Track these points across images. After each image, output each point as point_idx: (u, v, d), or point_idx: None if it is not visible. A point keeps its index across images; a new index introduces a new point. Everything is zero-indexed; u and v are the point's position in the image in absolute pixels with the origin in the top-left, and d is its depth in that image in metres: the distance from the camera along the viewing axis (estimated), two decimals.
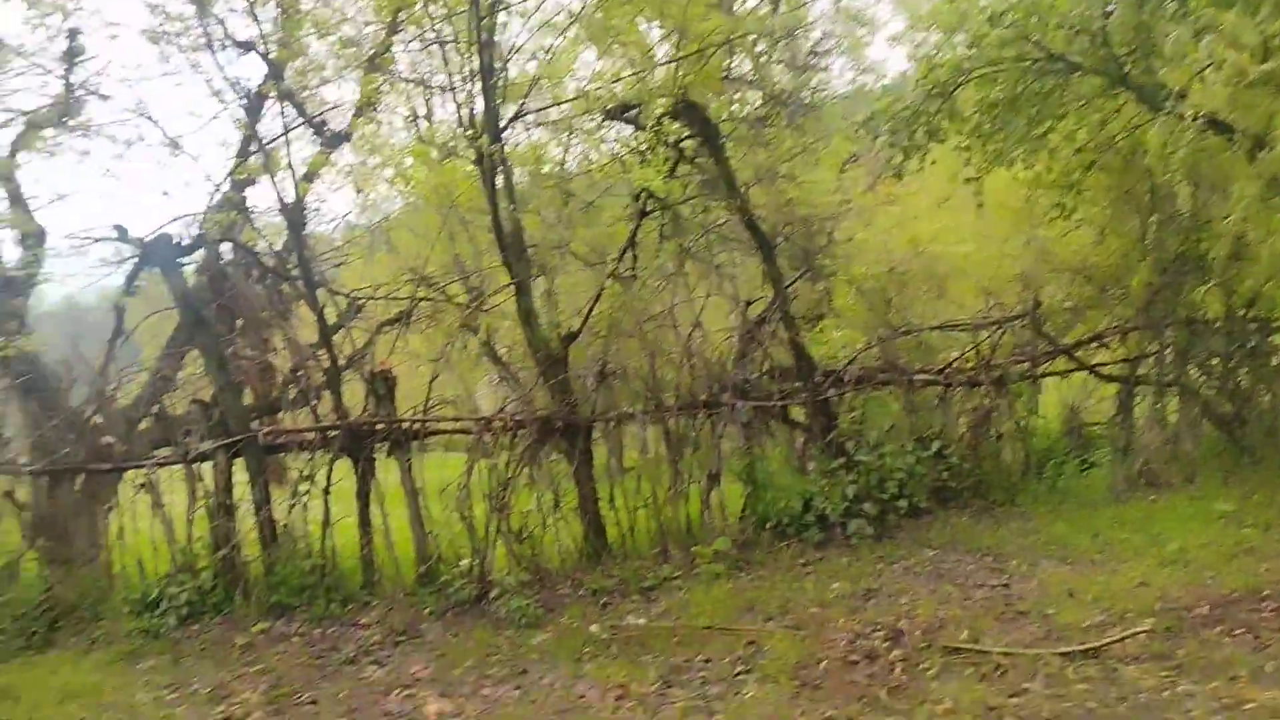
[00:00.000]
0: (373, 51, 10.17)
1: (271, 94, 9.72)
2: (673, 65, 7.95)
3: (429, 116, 12.74)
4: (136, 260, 8.73)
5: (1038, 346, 9.91)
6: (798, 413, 9.21)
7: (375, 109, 11.57)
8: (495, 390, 10.92)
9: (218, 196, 9.43)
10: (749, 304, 9.94)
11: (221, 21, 9.21)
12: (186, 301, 8.24)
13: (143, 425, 9.49)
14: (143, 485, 8.08)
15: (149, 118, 8.57)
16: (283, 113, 9.03)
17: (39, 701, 6.49)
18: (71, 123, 10.18)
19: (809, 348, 9.37)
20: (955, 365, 9.70)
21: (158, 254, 8.33)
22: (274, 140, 9.47)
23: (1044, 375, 10.22)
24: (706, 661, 6.39)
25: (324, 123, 11.20)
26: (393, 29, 10.06)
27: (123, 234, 8.28)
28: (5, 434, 8.05)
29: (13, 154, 10.02)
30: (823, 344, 10.13)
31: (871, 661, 6.02)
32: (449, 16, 8.68)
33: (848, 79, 10.53)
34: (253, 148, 10.16)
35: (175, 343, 10.39)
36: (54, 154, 9.51)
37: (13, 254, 9.74)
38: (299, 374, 9.18)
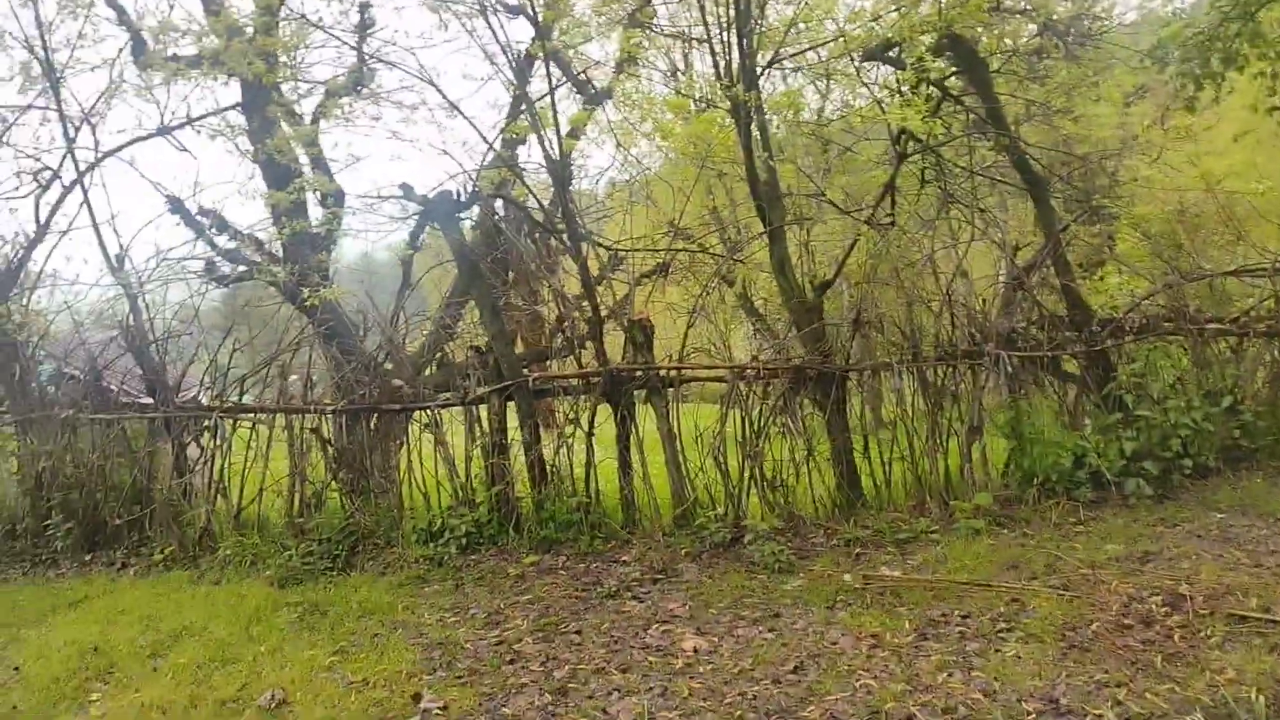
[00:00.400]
0: (633, 7, 10.41)
1: (538, 55, 10.16)
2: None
3: (687, 70, 12.95)
4: (420, 217, 9.43)
5: None
6: (1071, 364, 8.64)
7: (635, 64, 11.87)
8: (752, 341, 11.01)
9: (490, 155, 10.02)
10: (1017, 249, 9.43)
11: None
12: (463, 255, 8.81)
13: (427, 370, 10.32)
14: (427, 425, 8.78)
15: (431, 83, 9.09)
16: (548, 73, 9.38)
17: (342, 616, 7.26)
18: (364, 90, 11.13)
19: (1085, 295, 8.76)
20: (1253, 314, 8.75)
21: (438, 211, 8.96)
22: (540, 99, 9.89)
23: None
24: (965, 617, 6.22)
25: (587, 80, 11.62)
26: None
27: (408, 192, 8.96)
28: (313, 376, 8.92)
29: (314, 121, 11.08)
30: (1101, 292, 9.46)
31: (1147, 626, 5.66)
32: None
33: (1133, 3, 9.61)
34: (521, 107, 10.70)
35: (454, 294, 11.20)
36: (350, 120, 10.28)
37: (315, 214, 10.84)
38: (565, 323, 9.64)
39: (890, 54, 8.20)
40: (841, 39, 8.08)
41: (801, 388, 8.26)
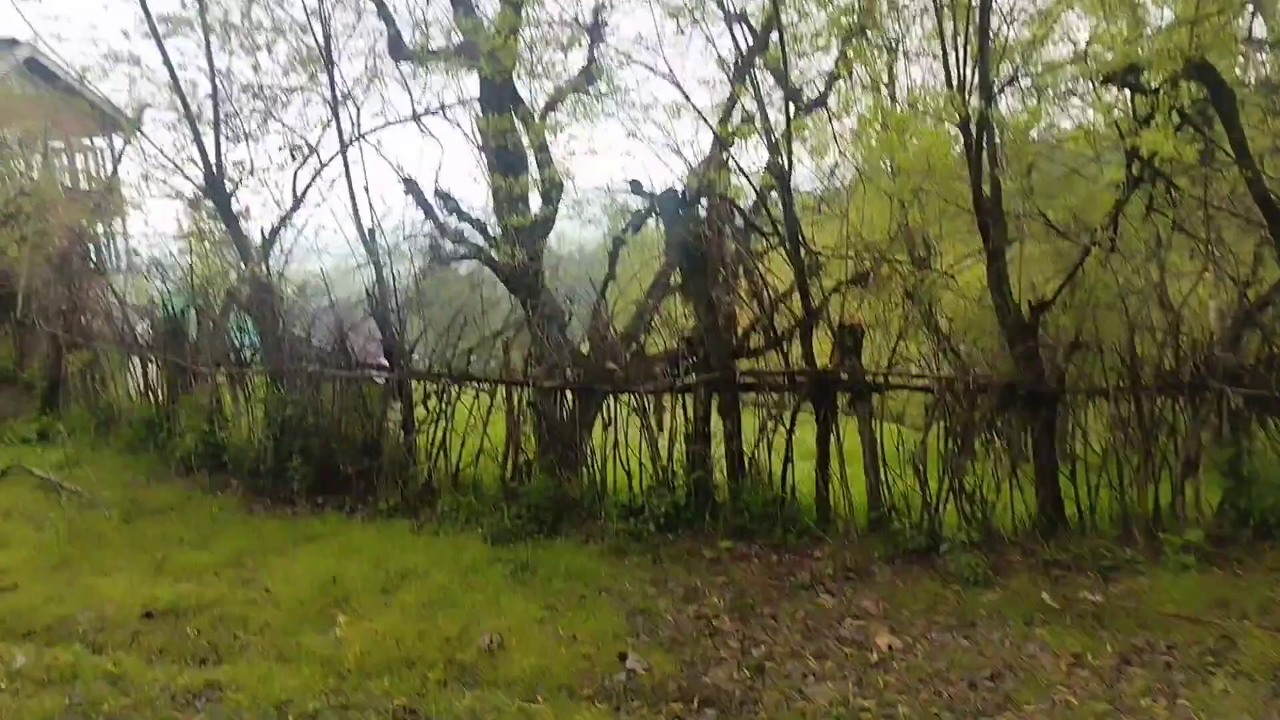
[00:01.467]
0: (858, 20, 10.57)
1: (759, 62, 10.49)
2: (1186, 25, 7.46)
3: (892, 84, 13.00)
4: (645, 211, 9.91)
5: None
6: None
7: (851, 75, 12.02)
8: (933, 358, 10.94)
9: (708, 155, 10.41)
10: (1248, 284, 9.10)
11: None
12: (685, 250, 9.21)
13: (630, 354, 10.80)
14: (635, 409, 9.23)
15: (676, 83, 9.55)
16: (778, 81, 9.68)
17: (550, 575, 7.79)
18: (593, 90, 11.71)
19: None
20: None
21: (665, 206, 9.41)
22: (763, 103, 10.22)
23: None
24: (1170, 648, 6.19)
25: (799, 88, 11.84)
26: None
27: (636, 188, 9.45)
28: (533, 354, 9.52)
29: (543, 116, 11.73)
30: None
31: None
32: None
33: None
34: (737, 112, 11.05)
35: (656, 287, 11.64)
36: (586, 117, 10.88)
37: (536, 202, 11.50)
38: (769, 321, 9.90)
39: (1131, 78, 8.10)
40: (1083, 61, 8.05)
41: (1010, 406, 8.27)
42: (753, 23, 10.80)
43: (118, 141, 16.70)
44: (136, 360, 12.84)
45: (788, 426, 8.76)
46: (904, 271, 10.62)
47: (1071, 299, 8.46)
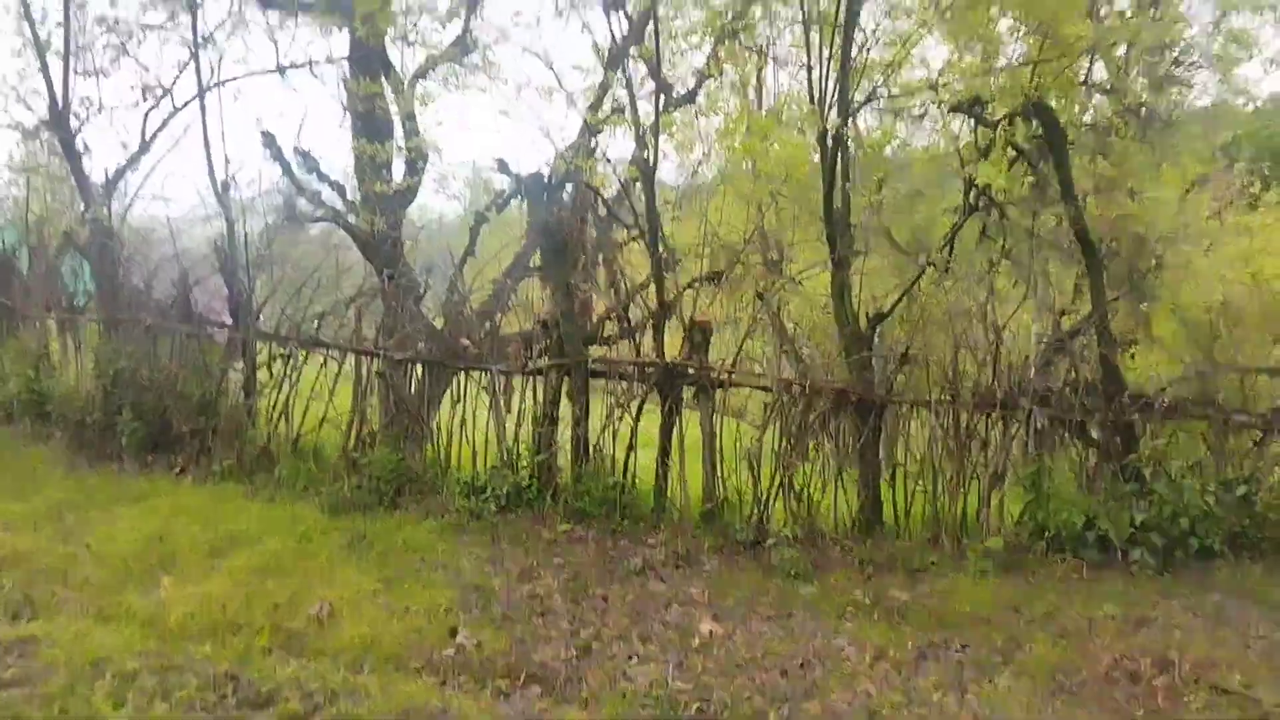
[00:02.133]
0: (734, 22, 10.87)
1: (633, 53, 10.64)
2: (1029, 65, 8.03)
3: (760, 88, 13.41)
4: (510, 191, 9.94)
5: None
6: (1095, 430, 9.06)
7: (720, 76, 12.33)
8: (778, 361, 11.41)
9: (575, 141, 10.52)
10: (1062, 313, 9.86)
11: None
12: (548, 233, 9.30)
13: (484, 332, 10.82)
14: (484, 387, 9.29)
15: (543, 61, 9.58)
16: (650, 73, 9.86)
17: (388, 549, 7.80)
18: (466, 61, 11.63)
19: (1121, 368, 9.19)
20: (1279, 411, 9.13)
21: (530, 188, 9.47)
22: (633, 94, 10.36)
23: None
24: (964, 646, 6.69)
25: (669, 84, 12.08)
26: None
27: (503, 167, 9.49)
28: (386, 324, 9.44)
29: (414, 83, 11.57)
30: (1135, 369, 9.88)
31: (1134, 683, 6.10)
32: None
33: (1212, 97, 10.01)
34: (607, 100, 11.20)
35: (516, 267, 11.70)
36: (457, 87, 10.79)
37: (400, 171, 11.36)
38: (623, 310, 10.11)
39: (976, 110, 8.64)
40: (935, 89, 8.53)
41: (841, 411, 8.73)
42: (630, 12, 10.93)
43: None
44: None
45: (633, 415, 8.98)
46: (757, 273, 11.03)
47: (907, 314, 8.98)
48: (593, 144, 11.28)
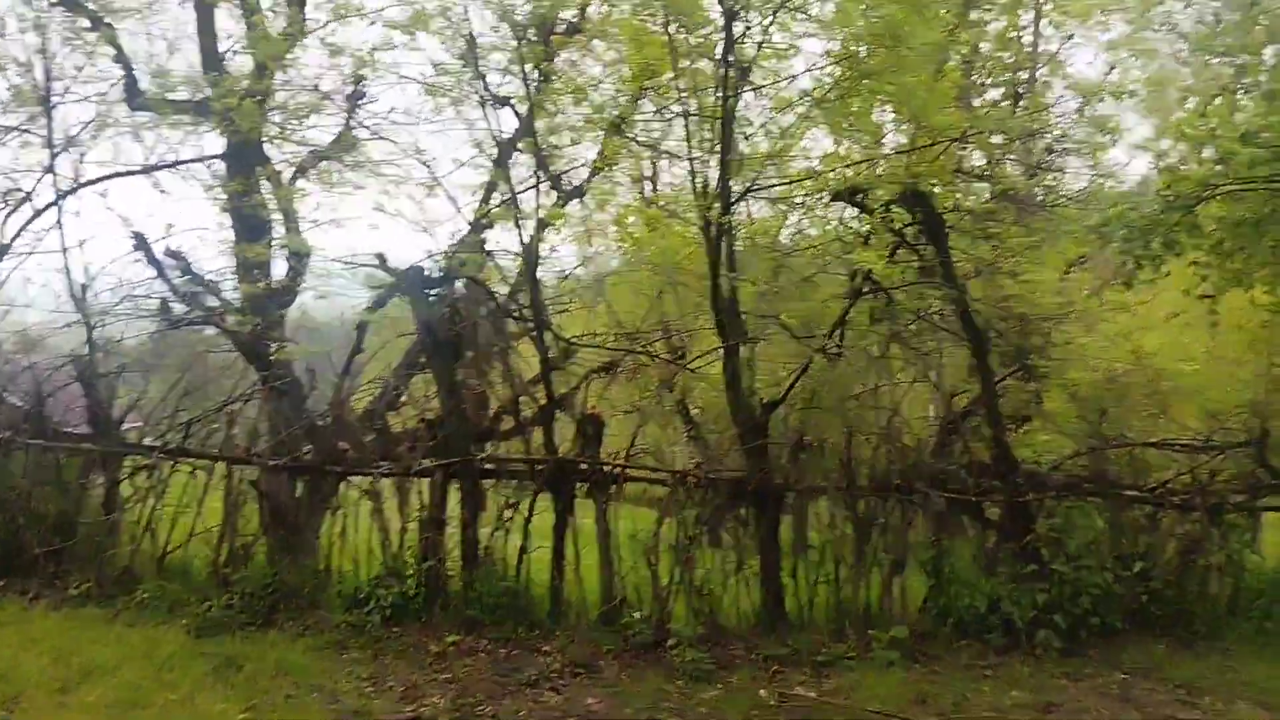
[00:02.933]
0: (617, 117, 10.88)
1: (519, 147, 10.56)
2: (905, 154, 8.17)
3: (654, 179, 13.48)
4: (389, 287, 9.64)
5: (1261, 478, 9.35)
6: (993, 511, 9.04)
7: (611, 169, 12.34)
8: (684, 447, 11.25)
9: (462, 236, 10.29)
10: (954, 395, 9.91)
11: (484, 78, 10.11)
12: (429, 329, 9.01)
13: (369, 436, 10.38)
14: (366, 492, 8.83)
15: (418, 159, 9.43)
16: (537, 168, 9.78)
17: (257, 673, 7.21)
18: (348, 159, 11.39)
19: (1013, 448, 9.22)
20: (1169, 486, 9.26)
21: (410, 283, 9.19)
22: (519, 189, 10.26)
23: (1264, 509, 9.61)
24: None
25: (559, 177, 12.04)
26: (637, 98, 10.76)
27: (382, 262, 9.19)
28: (258, 429, 8.95)
29: (293, 180, 11.27)
30: (1027, 446, 9.95)
31: None
32: (694, 91, 9.21)
33: (1083, 180, 10.35)
34: (497, 194, 11.04)
35: (406, 365, 11.32)
36: (331, 185, 10.52)
37: (280, 269, 10.96)
38: (515, 406, 9.81)
39: (856, 198, 8.73)
40: (813, 178, 8.61)
41: (739, 501, 8.52)
42: (516, 107, 10.88)
43: None
44: None
45: (526, 515, 8.62)
46: (655, 361, 10.88)
47: (801, 400, 8.89)
48: (481, 238, 11.09)
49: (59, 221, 9.49)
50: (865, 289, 9.18)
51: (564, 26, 10.61)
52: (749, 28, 8.33)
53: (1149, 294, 9.86)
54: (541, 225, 10.38)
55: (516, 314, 10.33)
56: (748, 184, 8.63)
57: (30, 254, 9.99)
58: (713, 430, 11.26)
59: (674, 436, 10.01)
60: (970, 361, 10.15)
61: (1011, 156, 9.57)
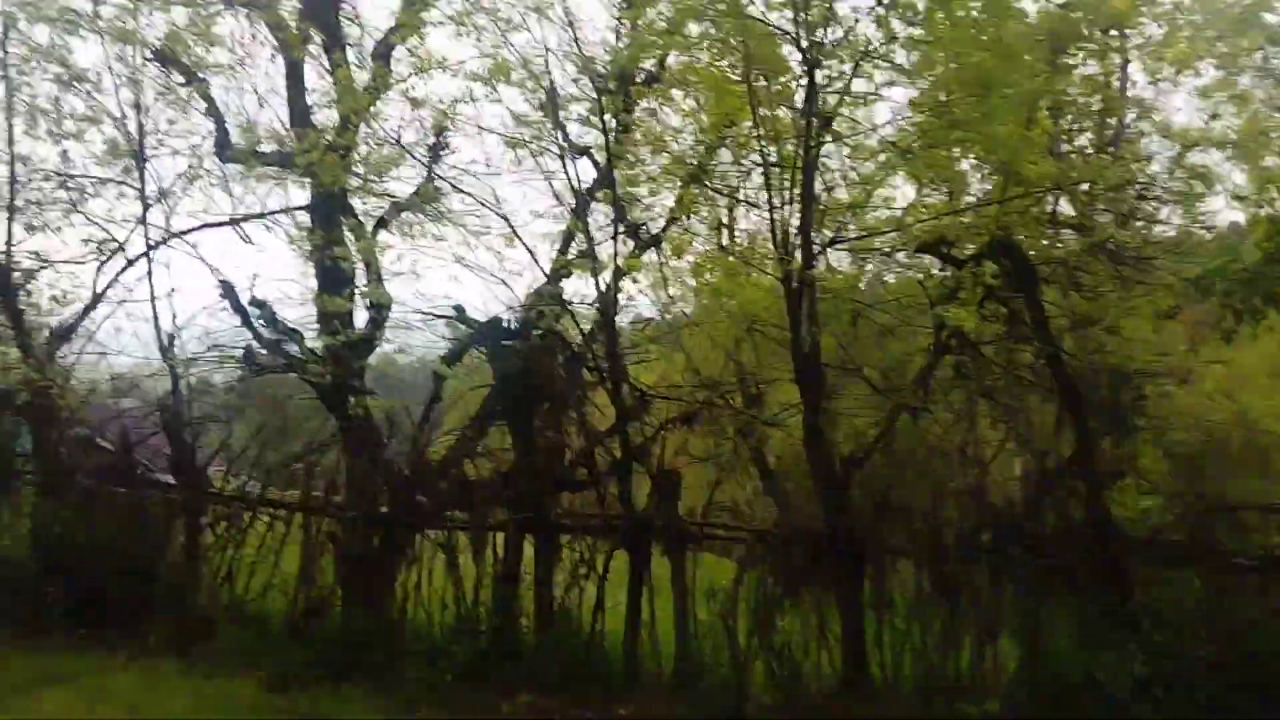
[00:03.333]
0: (695, 166, 10.83)
1: (597, 196, 10.55)
2: (994, 204, 7.93)
3: (732, 228, 13.37)
4: (467, 339, 9.65)
5: None
6: (1089, 577, 8.59)
7: (689, 217, 12.28)
8: (761, 503, 10.95)
9: (539, 286, 10.28)
10: (1045, 453, 9.51)
11: (564, 128, 10.16)
12: (507, 381, 8.97)
13: (444, 485, 10.34)
14: (442, 545, 8.76)
15: (504, 218, 9.50)
16: (615, 217, 9.76)
17: None
18: (429, 210, 11.50)
19: (1110, 509, 8.79)
20: (1277, 554, 8.71)
21: (489, 335, 9.18)
22: (596, 239, 10.24)
23: None
24: None
25: (637, 226, 12.00)
26: (715, 146, 10.70)
27: (461, 314, 9.22)
28: (337, 480, 8.97)
29: (374, 231, 11.40)
30: (1119, 505, 9.49)
31: None
32: (774, 139, 9.11)
33: (1178, 230, 9.94)
34: (574, 244, 11.03)
35: (482, 415, 11.30)
36: (412, 237, 10.61)
37: (362, 318, 11.06)
38: (590, 458, 9.70)
39: (943, 249, 8.50)
40: (899, 230, 8.41)
41: (820, 561, 8.25)
42: (595, 157, 10.91)
43: None
44: None
45: (600, 572, 8.46)
46: (733, 411, 10.71)
47: (885, 457, 8.61)
48: (559, 288, 11.08)
49: (150, 271, 9.66)
50: (951, 344, 8.91)
51: (642, 76, 10.62)
52: (830, 77, 8.22)
53: (1251, 350, 9.44)
54: (618, 274, 10.35)
55: (592, 364, 10.27)
56: (831, 235, 8.45)
57: (121, 303, 10.20)
58: (790, 483, 10.98)
59: (751, 491, 9.75)
60: (1060, 417, 9.79)
61: (1103, 206, 9.20)
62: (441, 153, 11.57)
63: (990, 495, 8.68)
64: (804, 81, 8.09)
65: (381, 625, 8.64)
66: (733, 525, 8.62)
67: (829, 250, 8.71)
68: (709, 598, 8.25)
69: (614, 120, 9.78)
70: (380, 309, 10.82)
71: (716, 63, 9.21)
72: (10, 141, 9.68)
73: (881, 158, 8.37)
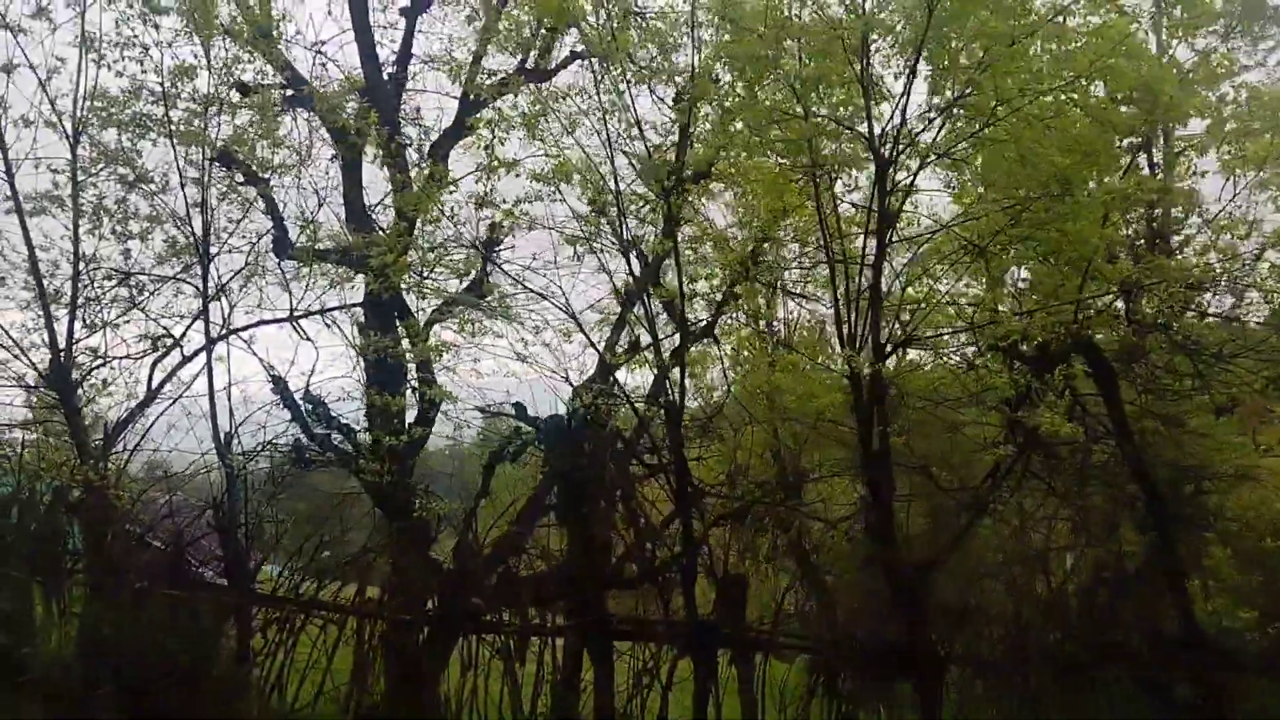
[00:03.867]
0: (750, 259, 10.76)
1: (651, 290, 10.46)
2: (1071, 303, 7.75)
3: (790, 323, 13.22)
4: (528, 436, 9.49)
5: None
6: (1179, 688, 8.17)
7: (741, 310, 12.18)
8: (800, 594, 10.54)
9: (590, 378, 10.14)
10: (1121, 554, 9.15)
11: (620, 224, 10.15)
12: (567, 479, 8.78)
13: (495, 583, 10.05)
14: (498, 651, 8.46)
15: (557, 305, 9.46)
16: (670, 311, 9.66)
17: None
18: (484, 305, 11.44)
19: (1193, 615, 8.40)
20: None
21: (549, 432, 9.02)
22: (650, 331, 10.14)
23: None
24: None
25: (686, 321, 11.88)
26: (767, 239, 10.65)
27: (521, 412, 9.08)
28: (390, 582, 8.73)
29: (427, 328, 11.34)
30: (1207, 611, 9.07)
31: None
32: (838, 236, 9.03)
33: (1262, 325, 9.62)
34: (626, 336, 10.91)
35: (531, 510, 11.06)
36: (471, 334, 10.53)
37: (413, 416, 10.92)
38: (642, 553, 9.45)
39: (1017, 349, 8.28)
40: (973, 331, 8.24)
41: (894, 672, 7.88)
42: (647, 251, 10.89)
43: None
44: None
45: (664, 682, 8.12)
46: (786, 507, 10.45)
47: (958, 563, 8.30)
48: (612, 380, 10.93)
49: (209, 369, 9.62)
50: (1021, 442, 8.62)
51: (689, 172, 10.61)
52: (896, 181, 8.13)
53: None
54: (670, 368, 10.20)
55: (648, 457, 10.06)
56: (901, 334, 8.27)
57: (176, 399, 10.13)
58: (829, 571, 10.69)
59: (815, 596, 9.39)
60: (1134, 518, 9.46)
61: (1180, 304, 8.93)
62: (498, 249, 11.59)
63: (1070, 601, 8.32)
64: (874, 181, 8.00)
65: None
66: (802, 635, 8.27)
67: (899, 348, 8.51)
68: (779, 709, 7.88)
69: (667, 216, 9.78)
70: (434, 405, 10.70)
71: (781, 161, 9.21)
72: (76, 240, 9.70)
73: (952, 257, 8.22)
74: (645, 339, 10.25)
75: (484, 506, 10.60)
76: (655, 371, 9.13)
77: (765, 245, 10.86)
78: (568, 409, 9.68)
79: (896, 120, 7.70)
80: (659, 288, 10.25)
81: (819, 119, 7.91)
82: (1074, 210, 7.07)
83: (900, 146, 7.65)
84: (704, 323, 11.22)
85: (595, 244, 10.05)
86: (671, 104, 9.70)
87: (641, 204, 10.39)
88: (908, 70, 7.50)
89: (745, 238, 10.79)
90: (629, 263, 9.81)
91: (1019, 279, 8.53)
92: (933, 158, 7.77)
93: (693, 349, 11.45)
